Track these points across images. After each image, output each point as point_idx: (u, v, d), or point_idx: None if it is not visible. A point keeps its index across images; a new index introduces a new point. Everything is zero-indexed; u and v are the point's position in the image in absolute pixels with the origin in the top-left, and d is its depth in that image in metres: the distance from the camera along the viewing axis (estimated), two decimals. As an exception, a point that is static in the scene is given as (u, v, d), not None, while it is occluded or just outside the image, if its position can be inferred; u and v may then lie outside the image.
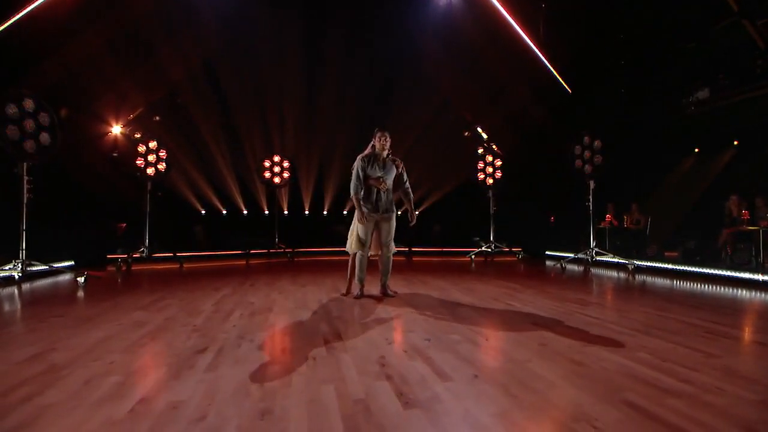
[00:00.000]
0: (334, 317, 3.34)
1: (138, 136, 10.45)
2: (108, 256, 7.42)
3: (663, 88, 8.72)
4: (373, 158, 4.06)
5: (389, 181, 4.06)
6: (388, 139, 4.04)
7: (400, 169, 4.08)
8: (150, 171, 7.10)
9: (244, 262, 8.08)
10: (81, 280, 4.92)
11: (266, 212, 11.80)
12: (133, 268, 6.89)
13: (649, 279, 5.87)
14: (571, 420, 1.59)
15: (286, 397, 1.80)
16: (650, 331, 2.90)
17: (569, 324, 3.11)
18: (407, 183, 4.16)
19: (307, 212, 12.12)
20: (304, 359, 2.29)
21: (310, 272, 6.52)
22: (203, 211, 10.84)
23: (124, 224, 9.01)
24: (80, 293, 4.50)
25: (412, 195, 4.20)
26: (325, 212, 12.13)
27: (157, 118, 10.34)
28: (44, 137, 5.19)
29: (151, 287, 4.88)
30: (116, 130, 9.48)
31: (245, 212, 11.41)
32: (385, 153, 4.06)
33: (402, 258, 8.63)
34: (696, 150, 9.19)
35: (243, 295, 4.38)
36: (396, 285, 4.86)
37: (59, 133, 5.31)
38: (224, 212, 11.06)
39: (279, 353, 2.41)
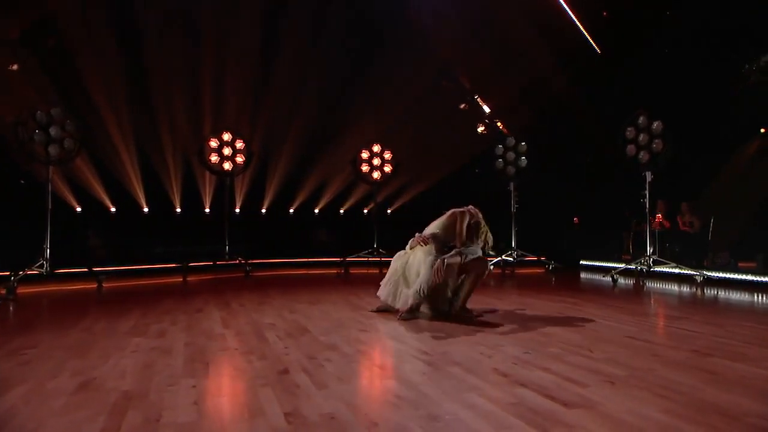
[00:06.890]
0: (393, 336, 4.00)
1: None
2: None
3: (719, 49, 9.62)
4: None
5: None
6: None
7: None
8: (53, 151, 7.18)
9: (180, 279, 8.39)
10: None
11: (178, 210, 12.13)
12: (19, 290, 6.86)
13: (721, 292, 7.00)
14: (742, 415, 2.31)
15: (437, 404, 2.41)
16: (765, 343, 3.76)
17: (667, 337, 3.96)
18: None
19: (237, 210, 12.59)
20: (413, 374, 2.91)
21: (302, 288, 7.23)
22: (78, 209, 10.83)
23: None
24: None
25: None
26: (268, 210, 12.79)
27: (15, 66, 10.19)
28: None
29: (107, 310, 5.22)
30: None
31: (145, 210, 11.64)
32: None
33: (376, 270, 9.36)
34: (762, 130, 10.58)
35: (247, 315, 4.94)
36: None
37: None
38: (113, 209, 11.21)
39: (377, 370, 3.01)
